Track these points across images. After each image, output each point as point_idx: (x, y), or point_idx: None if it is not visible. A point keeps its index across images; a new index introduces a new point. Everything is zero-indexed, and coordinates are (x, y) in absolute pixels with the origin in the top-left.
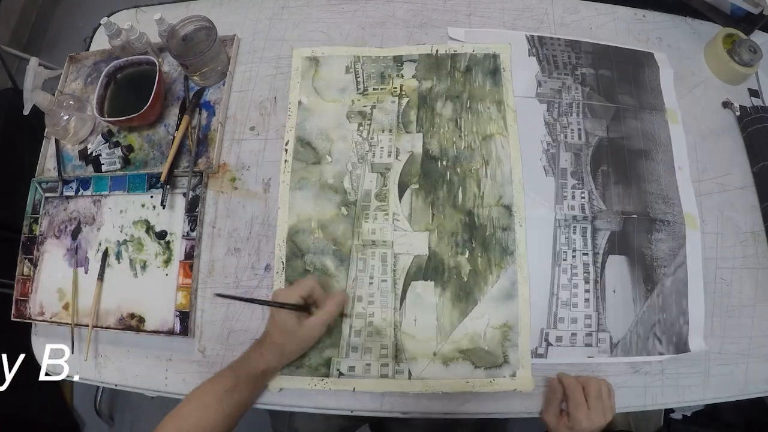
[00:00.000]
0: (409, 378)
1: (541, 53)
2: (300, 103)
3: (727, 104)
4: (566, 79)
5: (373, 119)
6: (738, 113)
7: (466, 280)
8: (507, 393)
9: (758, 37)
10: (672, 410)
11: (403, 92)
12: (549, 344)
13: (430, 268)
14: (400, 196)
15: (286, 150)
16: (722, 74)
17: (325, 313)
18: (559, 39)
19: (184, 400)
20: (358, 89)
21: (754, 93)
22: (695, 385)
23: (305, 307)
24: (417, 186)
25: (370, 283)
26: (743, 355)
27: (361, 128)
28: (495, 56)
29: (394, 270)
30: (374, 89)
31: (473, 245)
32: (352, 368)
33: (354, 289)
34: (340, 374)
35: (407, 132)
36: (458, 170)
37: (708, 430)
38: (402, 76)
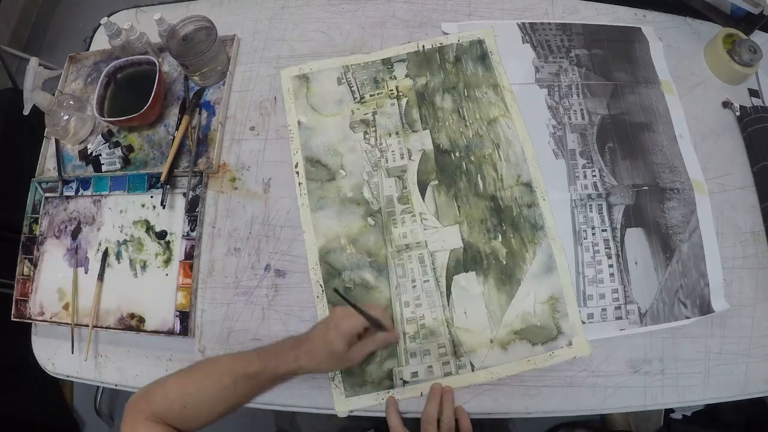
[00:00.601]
0: (473, 370)
1: (534, 39)
2: (299, 123)
3: (727, 104)
4: (562, 62)
5: (377, 125)
6: (738, 113)
7: (505, 263)
8: (508, 391)
9: (758, 37)
10: (672, 410)
11: (401, 93)
12: (582, 322)
13: (468, 259)
14: (423, 195)
15: (297, 173)
16: (722, 74)
17: (373, 343)
18: (549, 24)
19: (201, 364)
20: (355, 98)
21: (754, 93)
22: (695, 385)
23: (377, 324)
24: (436, 182)
25: (414, 287)
26: (743, 355)
27: (367, 136)
28: (480, 42)
29: (434, 269)
30: (371, 95)
31: (504, 228)
32: (415, 374)
33: (399, 295)
34: (405, 383)
35: (414, 131)
36: (472, 159)
37: (708, 430)
38: (395, 77)
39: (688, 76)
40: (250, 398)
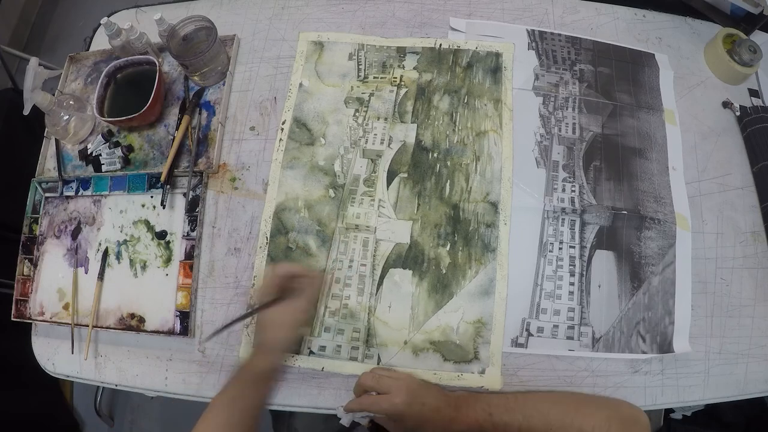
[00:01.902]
0: (378, 363)
1: (540, 47)
2: (301, 85)
3: (727, 104)
4: (564, 74)
5: (370, 106)
6: (738, 113)
7: (444, 272)
8: (508, 390)
9: (758, 37)
10: (672, 410)
11: (403, 83)
12: (530, 334)
13: (409, 257)
14: (388, 183)
15: (282, 129)
16: (722, 74)
17: (305, 297)
18: (560, 35)
19: (199, 420)
20: (358, 76)
21: (754, 93)
22: (695, 385)
23: (285, 294)
24: (406, 175)
25: (350, 267)
26: (743, 355)
27: (357, 114)
28: (497, 55)
29: (374, 255)
30: (374, 77)
31: (455, 238)
32: (322, 348)
33: (333, 270)
34: (311, 353)
35: (402, 122)
36: (448, 163)
37: (708, 430)
38: (403, 67)
39: (688, 76)
40: (253, 413)
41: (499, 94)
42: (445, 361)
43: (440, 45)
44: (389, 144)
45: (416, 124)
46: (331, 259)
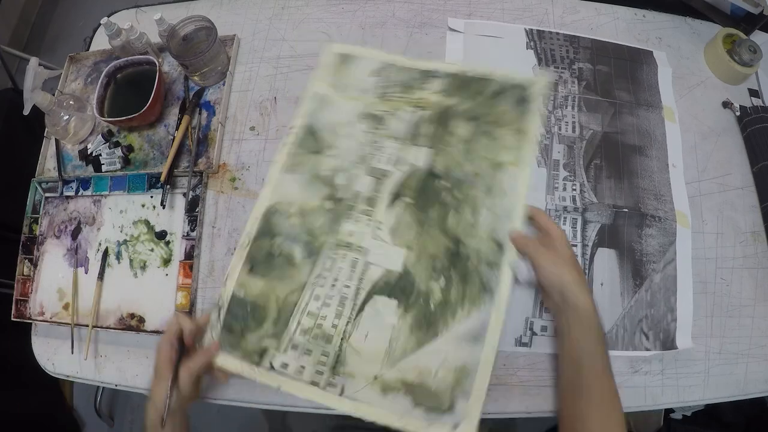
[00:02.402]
0: (341, 394)
1: (539, 47)
2: (317, 94)
3: (727, 104)
4: (563, 72)
5: (385, 125)
6: (738, 113)
7: (432, 309)
8: (508, 391)
9: (758, 37)
10: (672, 410)
11: (422, 105)
12: (534, 333)
13: (398, 287)
14: (390, 206)
15: (291, 133)
16: (722, 74)
17: (165, 380)
18: (558, 33)
19: None
20: (378, 93)
21: (754, 93)
22: (695, 385)
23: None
24: (409, 200)
25: (333, 285)
26: (743, 355)
27: (370, 131)
28: (525, 87)
29: (360, 279)
30: (394, 97)
31: (451, 274)
32: (285, 365)
33: (314, 285)
34: (272, 367)
35: (415, 144)
36: (457, 193)
37: (708, 430)
38: (425, 89)
39: (688, 76)
40: None
41: (525, 125)
42: (415, 407)
43: (466, 71)
44: (398, 166)
45: (430, 149)
46: (314, 273)
